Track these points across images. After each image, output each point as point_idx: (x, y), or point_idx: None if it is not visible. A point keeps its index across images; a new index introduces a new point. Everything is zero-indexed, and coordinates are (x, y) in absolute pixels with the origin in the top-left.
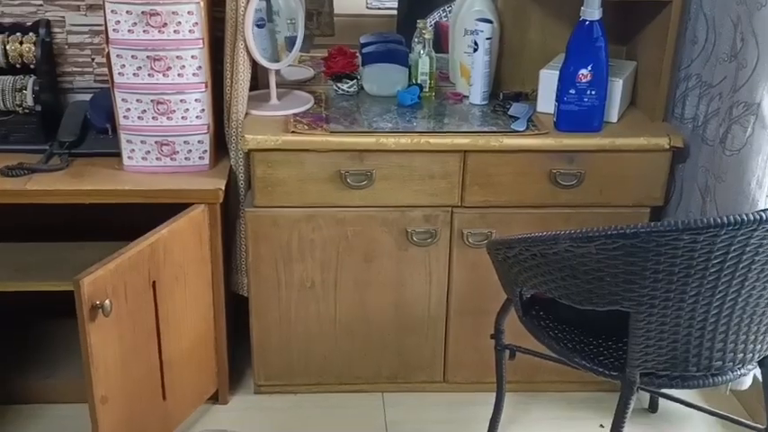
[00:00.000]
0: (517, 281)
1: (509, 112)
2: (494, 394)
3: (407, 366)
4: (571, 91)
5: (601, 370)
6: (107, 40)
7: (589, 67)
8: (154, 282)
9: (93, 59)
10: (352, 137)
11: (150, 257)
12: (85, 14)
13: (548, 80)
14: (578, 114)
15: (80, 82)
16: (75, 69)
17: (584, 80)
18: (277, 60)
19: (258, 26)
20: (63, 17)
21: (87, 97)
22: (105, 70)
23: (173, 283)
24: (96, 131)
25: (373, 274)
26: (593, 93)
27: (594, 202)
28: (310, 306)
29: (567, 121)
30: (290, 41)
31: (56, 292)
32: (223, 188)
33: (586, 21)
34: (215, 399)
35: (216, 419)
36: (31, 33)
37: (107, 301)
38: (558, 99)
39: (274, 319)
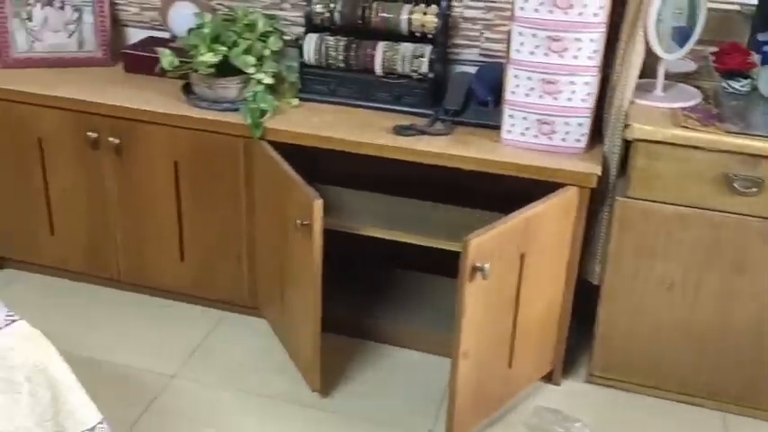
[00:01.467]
0: None
1: None
2: None
3: (759, 390)
4: None
5: None
6: (512, 17)
7: None
8: (522, 254)
9: (482, 34)
10: (749, 140)
11: (524, 230)
12: None
13: None
14: None
15: (466, 54)
16: (464, 42)
17: None
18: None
19: None
20: None
21: (469, 69)
22: (491, 45)
23: (536, 258)
24: (478, 103)
25: (743, 286)
26: None
27: None
28: (665, 306)
29: None
30: (678, 32)
31: (405, 245)
32: (598, 173)
33: None
34: (548, 378)
35: (547, 399)
36: (433, 5)
37: (487, 265)
38: None
39: (623, 312)
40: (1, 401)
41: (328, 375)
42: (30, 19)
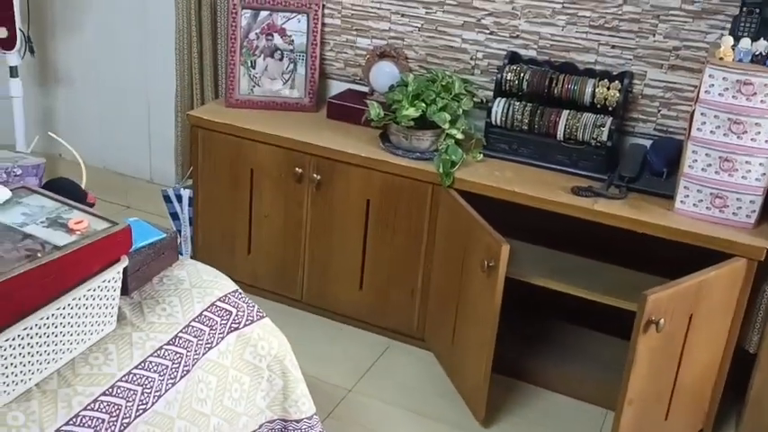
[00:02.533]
0: None
1: None
2: None
3: None
4: None
5: None
6: (697, 99)
7: None
8: (691, 315)
9: (658, 111)
10: None
11: (696, 293)
12: (665, 72)
13: None
14: None
15: (642, 128)
16: (640, 116)
17: None
18: None
19: None
20: (645, 72)
21: (643, 141)
22: (667, 121)
23: (702, 321)
24: (651, 173)
25: None
26: None
27: None
28: None
29: None
30: None
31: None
32: (767, 247)
33: None
34: None
35: None
36: (617, 81)
37: (662, 320)
38: None
39: None
40: (248, 382)
41: (490, 408)
42: (253, 67)
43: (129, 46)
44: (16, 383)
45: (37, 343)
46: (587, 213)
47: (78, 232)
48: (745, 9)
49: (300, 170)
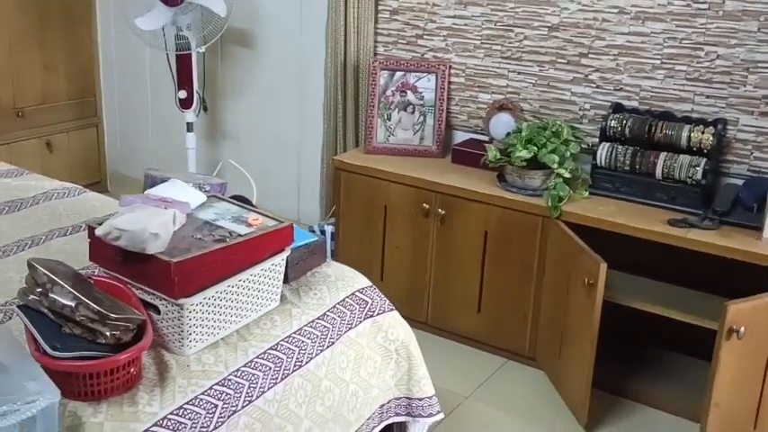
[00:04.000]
0: None
1: None
2: None
3: None
4: None
5: None
6: None
7: None
8: None
9: (751, 153)
10: None
11: None
12: (756, 119)
13: None
14: None
15: (735, 169)
16: (734, 158)
17: None
18: None
19: None
20: (737, 118)
21: (737, 181)
22: (759, 163)
23: None
24: (743, 208)
25: None
26: None
27: None
28: None
29: None
30: None
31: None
32: None
33: None
34: None
35: None
36: (711, 126)
37: (742, 328)
38: None
39: None
40: (379, 361)
41: (592, 416)
42: (389, 119)
43: (286, 106)
44: (209, 335)
45: (224, 306)
46: (681, 242)
47: (255, 226)
48: None
49: (427, 206)
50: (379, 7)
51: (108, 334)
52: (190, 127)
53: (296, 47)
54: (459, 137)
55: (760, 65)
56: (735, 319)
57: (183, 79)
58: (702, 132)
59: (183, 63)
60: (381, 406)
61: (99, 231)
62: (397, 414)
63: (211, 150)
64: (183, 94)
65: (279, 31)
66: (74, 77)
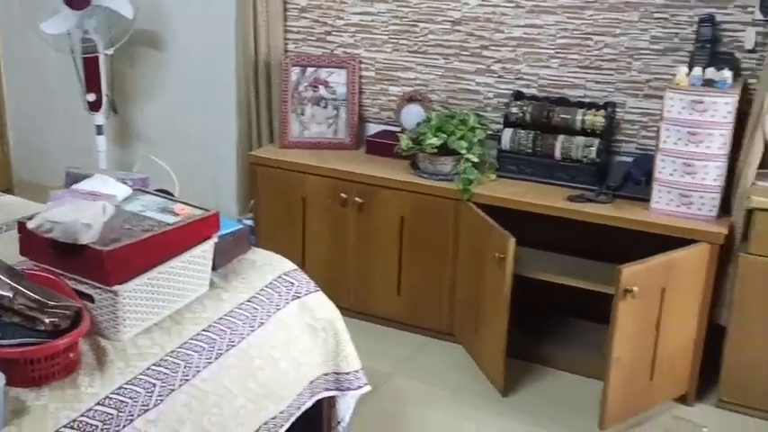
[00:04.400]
0: None
1: None
2: None
3: None
4: None
5: None
6: (662, 118)
7: None
8: (663, 288)
9: (638, 132)
10: None
11: (666, 270)
12: (641, 101)
13: None
14: None
15: (625, 147)
16: (624, 138)
17: None
18: None
19: None
20: (625, 101)
21: (627, 159)
22: (646, 141)
23: (675, 295)
24: (633, 182)
25: None
26: None
27: None
28: None
29: None
30: None
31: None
32: (725, 233)
33: None
34: (682, 400)
35: (681, 414)
36: (602, 110)
37: (635, 288)
38: None
39: (746, 349)
40: (307, 340)
41: (508, 383)
42: (303, 114)
43: (198, 105)
44: (143, 320)
45: (156, 291)
46: (580, 215)
47: (182, 215)
48: (698, 44)
49: (345, 196)
50: (288, 5)
51: (47, 321)
52: (100, 130)
53: (205, 46)
54: (372, 128)
55: (642, 52)
56: (629, 280)
57: (92, 82)
58: (594, 115)
59: (91, 66)
60: (311, 382)
61: (31, 224)
62: (327, 389)
63: (124, 153)
64: (91, 96)
65: (187, 32)
66: None
